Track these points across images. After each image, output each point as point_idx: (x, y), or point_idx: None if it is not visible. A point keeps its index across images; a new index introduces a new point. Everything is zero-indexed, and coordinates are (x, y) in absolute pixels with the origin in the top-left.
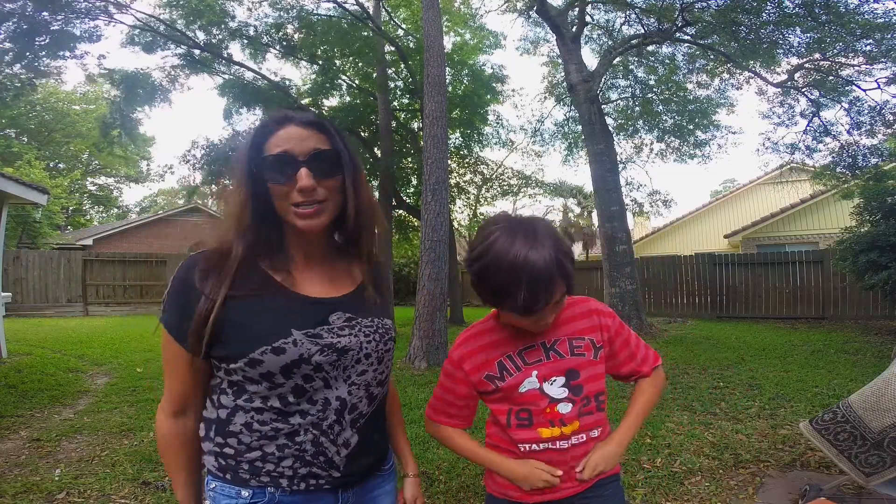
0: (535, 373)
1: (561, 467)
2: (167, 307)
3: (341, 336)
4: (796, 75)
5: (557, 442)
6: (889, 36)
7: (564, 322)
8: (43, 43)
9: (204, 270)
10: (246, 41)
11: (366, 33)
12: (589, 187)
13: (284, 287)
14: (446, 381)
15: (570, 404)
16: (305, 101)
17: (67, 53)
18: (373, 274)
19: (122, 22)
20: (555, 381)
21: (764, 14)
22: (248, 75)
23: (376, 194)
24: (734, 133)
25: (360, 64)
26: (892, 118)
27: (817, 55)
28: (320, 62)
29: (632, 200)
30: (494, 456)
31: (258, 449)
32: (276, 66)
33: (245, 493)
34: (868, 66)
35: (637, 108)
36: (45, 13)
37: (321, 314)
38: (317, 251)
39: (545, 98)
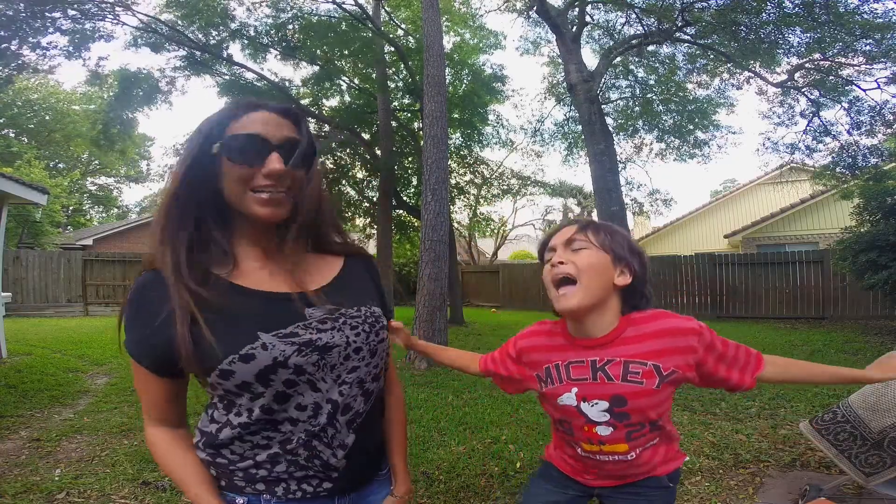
0: (574, 390)
1: (603, 469)
2: (127, 332)
3: (322, 332)
4: (796, 75)
5: (598, 455)
6: (889, 36)
7: (627, 341)
8: (45, 43)
9: (159, 287)
10: (246, 41)
11: (365, 34)
12: (589, 187)
13: (244, 287)
14: (503, 355)
15: (611, 428)
16: (305, 101)
17: (76, 53)
18: (354, 267)
19: (126, 24)
20: (596, 403)
21: (764, 14)
22: (249, 76)
23: (376, 194)
24: (734, 133)
25: (359, 64)
26: (892, 118)
27: (817, 55)
28: (320, 63)
29: (632, 200)
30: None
31: (251, 459)
32: (276, 67)
33: (240, 500)
34: (868, 66)
35: (637, 108)
36: (51, 15)
37: (294, 310)
38: (272, 246)
39: (545, 98)
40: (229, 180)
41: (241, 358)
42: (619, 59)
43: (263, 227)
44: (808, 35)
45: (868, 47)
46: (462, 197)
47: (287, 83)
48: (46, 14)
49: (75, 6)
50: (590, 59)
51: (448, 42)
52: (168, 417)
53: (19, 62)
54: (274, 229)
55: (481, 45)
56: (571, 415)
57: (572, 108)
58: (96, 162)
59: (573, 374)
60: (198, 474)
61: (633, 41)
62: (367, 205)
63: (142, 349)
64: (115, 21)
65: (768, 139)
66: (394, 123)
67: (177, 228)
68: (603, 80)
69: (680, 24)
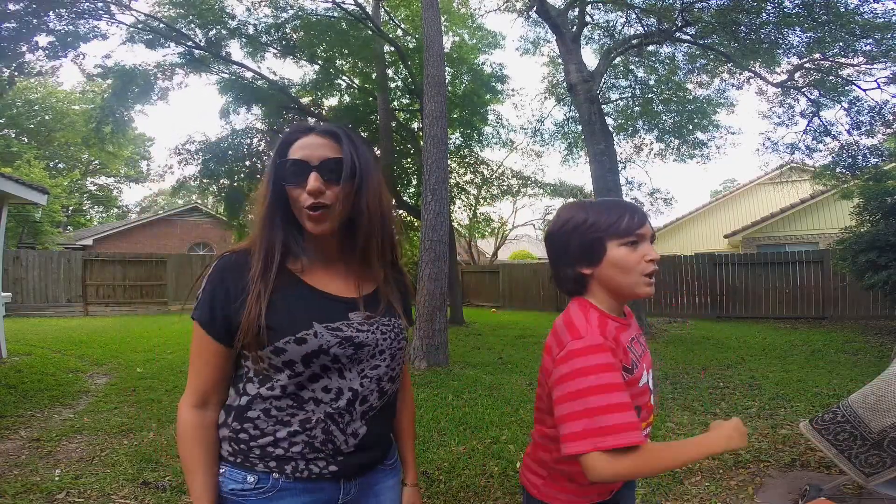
0: (644, 365)
1: None
2: (201, 303)
3: (360, 332)
4: (796, 75)
5: (644, 431)
6: (889, 36)
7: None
8: (45, 44)
9: (238, 269)
10: (245, 40)
11: (365, 33)
12: (589, 187)
13: (309, 285)
14: (612, 372)
15: (652, 395)
16: (305, 100)
17: (70, 53)
18: (391, 279)
19: (122, 22)
20: (650, 372)
21: (764, 14)
22: (248, 74)
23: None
24: (733, 133)
25: (359, 64)
26: (892, 118)
27: (817, 55)
28: (320, 62)
29: (632, 200)
30: (690, 444)
31: (271, 434)
32: (275, 66)
33: (251, 478)
34: (868, 66)
35: (637, 108)
36: (49, 14)
37: (341, 310)
38: (334, 254)
39: (545, 98)
40: (290, 198)
41: (296, 340)
42: (619, 59)
43: (321, 238)
44: (808, 35)
45: (868, 47)
46: (462, 197)
47: (286, 82)
48: (39, 16)
49: (70, 7)
50: (590, 59)
51: (447, 42)
52: (209, 397)
53: (20, 62)
54: (334, 240)
55: (480, 45)
56: (645, 393)
57: (572, 108)
58: (96, 162)
59: (636, 350)
60: (207, 480)
61: (633, 41)
62: None
63: (212, 318)
64: (111, 21)
65: (768, 139)
66: (393, 123)
67: (270, 234)
68: (603, 80)
69: (680, 24)
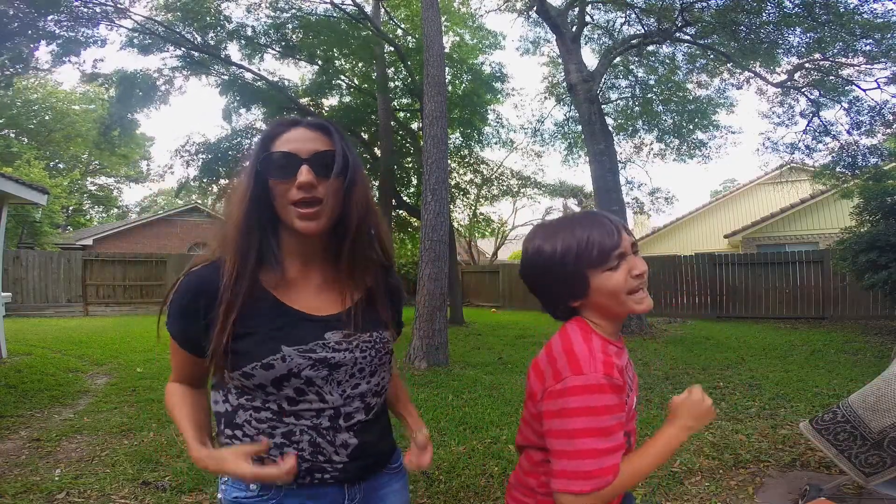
0: (634, 391)
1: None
2: (171, 317)
3: (336, 352)
4: (796, 75)
5: None
6: (889, 36)
7: None
8: (46, 49)
9: (205, 288)
10: (244, 42)
11: (364, 33)
12: (589, 187)
13: (281, 303)
14: (608, 416)
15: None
16: (304, 100)
17: (70, 57)
18: (382, 283)
19: (122, 26)
20: (636, 397)
21: (764, 14)
22: (248, 76)
23: (376, 194)
24: (734, 133)
25: (359, 64)
26: (891, 118)
27: (817, 55)
28: (319, 62)
29: (633, 199)
30: (653, 451)
31: None
32: (275, 67)
33: (253, 485)
34: (868, 66)
35: (637, 108)
36: (48, 19)
37: (317, 330)
38: (316, 258)
39: (545, 98)
40: (274, 195)
41: (262, 366)
42: (619, 59)
43: (305, 239)
44: (808, 35)
45: (868, 47)
46: (462, 197)
47: (286, 82)
48: (38, 24)
49: (68, 14)
50: (590, 59)
51: (447, 42)
52: (189, 380)
53: (24, 60)
54: (316, 241)
55: (480, 45)
56: (633, 416)
57: (572, 108)
58: (96, 162)
59: (629, 373)
60: (192, 418)
61: (633, 41)
62: None
63: (183, 335)
64: (111, 26)
65: (768, 139)
66: (393, 123)
67: (248, 239)
68: (603, 80)
69: (680, 24)
